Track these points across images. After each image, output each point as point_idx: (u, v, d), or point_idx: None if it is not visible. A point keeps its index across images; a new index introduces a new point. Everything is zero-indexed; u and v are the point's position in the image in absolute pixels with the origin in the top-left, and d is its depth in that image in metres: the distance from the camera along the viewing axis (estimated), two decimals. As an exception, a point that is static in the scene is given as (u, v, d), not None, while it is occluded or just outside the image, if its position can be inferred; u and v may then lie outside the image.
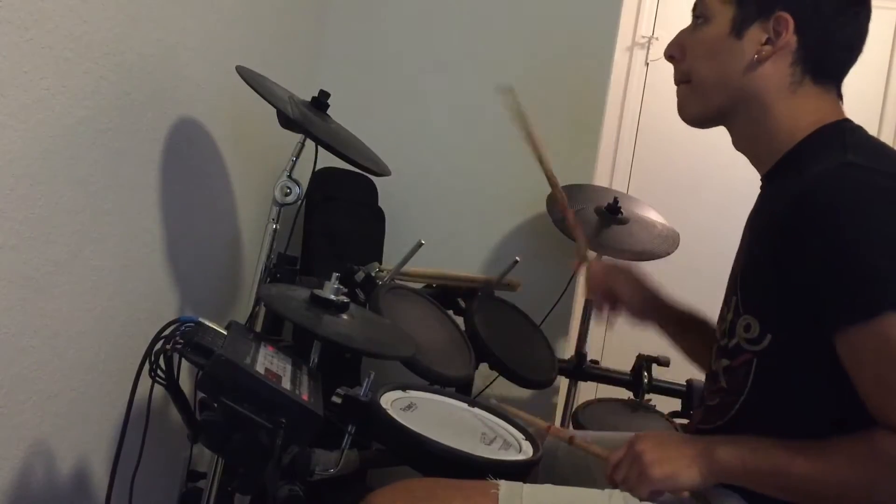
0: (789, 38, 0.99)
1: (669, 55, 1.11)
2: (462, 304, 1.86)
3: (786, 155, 1.01)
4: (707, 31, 1.05)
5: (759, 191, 1.09)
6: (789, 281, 0.92)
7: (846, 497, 0.89)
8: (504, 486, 1.01)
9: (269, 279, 1.46)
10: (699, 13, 1.07)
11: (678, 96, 1.11)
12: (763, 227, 1.00)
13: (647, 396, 1.96)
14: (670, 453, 0.97)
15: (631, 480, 0.98)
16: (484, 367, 1.72)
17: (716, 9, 1.04)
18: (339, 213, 2.07)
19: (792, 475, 0.90)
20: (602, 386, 2.17)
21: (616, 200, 2.02)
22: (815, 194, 0.90)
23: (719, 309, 1.10)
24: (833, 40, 1.00)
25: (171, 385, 1.02)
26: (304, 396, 1.01)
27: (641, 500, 0.99)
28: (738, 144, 1.09)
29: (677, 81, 1.11)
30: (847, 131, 0.99)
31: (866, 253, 0.86)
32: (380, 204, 2.18)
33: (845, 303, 0.88)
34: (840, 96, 1.04)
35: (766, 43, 1.00)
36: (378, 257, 2.10)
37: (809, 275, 0.90)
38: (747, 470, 0.94)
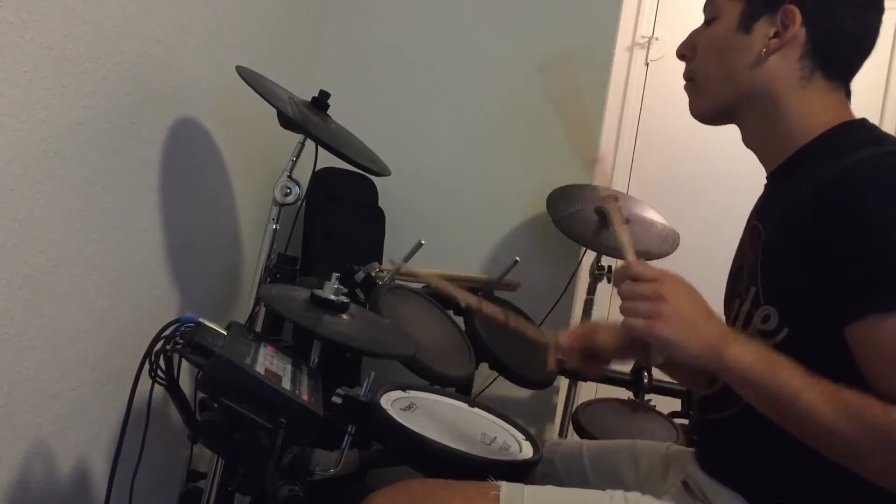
0: (797, 30, 0.99)
1: (681, 54, 1.11)
2: (462, 304, 1.85)
3: (801, 150, 1.00)
4: (716, 29, 1.06)
5: (761, 189, 1.09)
6: (815, 266, 0.89)
7: (841, 449, 0.84)
8: (505, 487, 1.00)
9: (269, 279, 1.46)
10: (709, 13, 1.07)
11: (687, 94, 1.11)
12: (787, 218, 0.96)
13: (647, 396, 1.96)
14: (689, 321, 0.88)
15: (637, 313, 0.89)
16: (484, 367, 1.72)
17: (724, 6, 1.05)
18: (339, 213, 2.06)
19: (796, 403, 0.84)
20: (602, 386, 2.17)
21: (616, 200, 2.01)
22: (856, 180, 0.88)
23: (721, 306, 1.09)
24: (842, 32, 1.00)
25: (171, 385, 1.02)
26: (304, 396, 1.01)
27: (631, 335, 0.90)
28: (748, 140, 1.08)
29: (685, 79, 1.11)
30: (872, 128, 0.98)
31: None
32: (380, 204, 2.18)
33: (871, 290, 0.84)
34: (848, 96, 1.04)
35: (773, 37, 1.00)
36: (378, 257, 2.10)
37: (838, 260, 0.87)
38: (753, 376, 0.87)
